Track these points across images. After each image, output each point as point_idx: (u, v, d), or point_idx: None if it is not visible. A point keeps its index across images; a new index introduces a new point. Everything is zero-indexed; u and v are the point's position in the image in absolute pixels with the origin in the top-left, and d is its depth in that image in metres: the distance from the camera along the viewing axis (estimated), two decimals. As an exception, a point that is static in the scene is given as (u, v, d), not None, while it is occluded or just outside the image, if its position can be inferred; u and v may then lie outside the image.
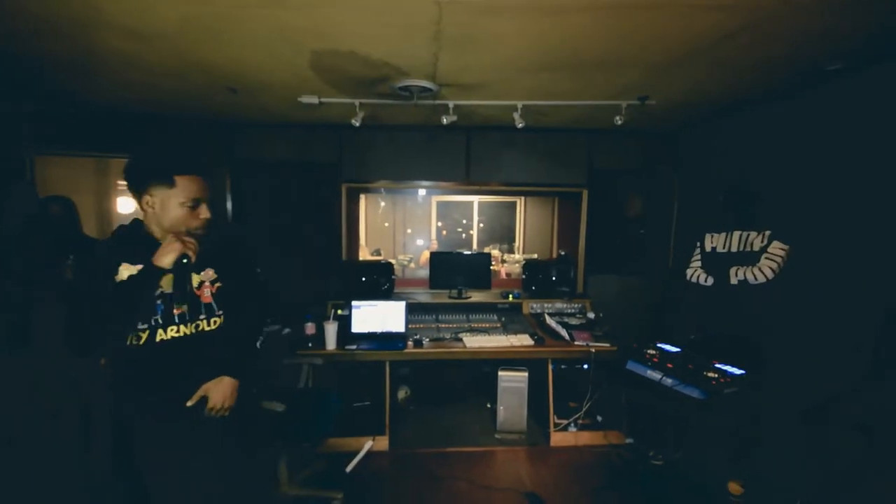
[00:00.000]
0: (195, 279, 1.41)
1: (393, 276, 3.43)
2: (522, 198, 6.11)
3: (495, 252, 5.71)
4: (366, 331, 2.95)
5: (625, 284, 3.67)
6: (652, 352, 2.41)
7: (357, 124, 2.61)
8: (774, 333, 2.37)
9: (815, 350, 2.15)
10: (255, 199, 3.45)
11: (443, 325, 3.17)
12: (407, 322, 2.98)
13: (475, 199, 6.37)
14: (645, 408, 2.80)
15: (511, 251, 6.16)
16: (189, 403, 1.36)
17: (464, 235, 6.54)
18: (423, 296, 3.52)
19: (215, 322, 1.43)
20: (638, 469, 2.63)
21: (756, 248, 2.43)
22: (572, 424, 2.92)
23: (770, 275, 2.33)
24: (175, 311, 1.35)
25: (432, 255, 3.60)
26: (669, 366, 2.23)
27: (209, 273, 1.45)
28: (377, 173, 3.43)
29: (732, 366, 2.15)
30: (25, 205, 2.53)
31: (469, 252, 4.02)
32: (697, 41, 1.75)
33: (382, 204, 6.71)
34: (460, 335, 2.96)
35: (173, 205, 1.30)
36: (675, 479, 2.47)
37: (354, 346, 2.76)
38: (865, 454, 1.58)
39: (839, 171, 2.21)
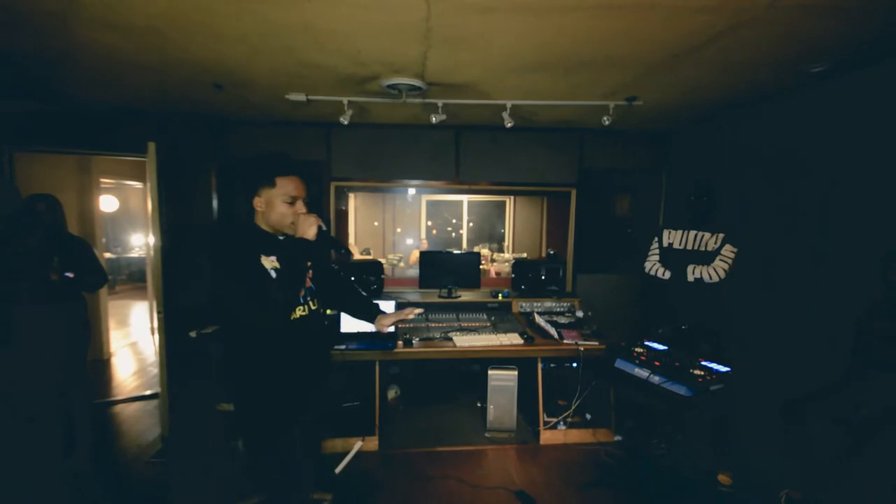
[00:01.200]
0: (269, 265, 1.54)
1: (382, 276, 3.42)
2: (512, 197, 6.13)
3: (485, 251, 5.72)
4: (355, 330, 2.93)
5: (613, 283, 3.71)
6: (639, 350, 2.44)
7: (346, 122, 2.59)
8: (745, 328, 2.46)
9: (787, 346, 2.19)
10: (242, 197, 3.40)
11: (433, 325, 3.17)
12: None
13: (465, 199, 6.38)
14: (633, 405, 2.83)
15: (500, 250, 6.18)
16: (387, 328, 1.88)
17: (454, 235, 6.55)
18: (413, 295, 3.51)
19: (314, 303, 1.68)
20: (627, 466, 2.65)
21: (710, 248, 2.55)
22: (561, 422, 2.94)
23: (723, 275, 2.48)
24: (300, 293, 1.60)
25: (422, 254, 3.59)
26: (657, 364, 2.25)
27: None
28: (366, 172, 3.41)
29: (717, 363, 2.19)
30: (7, 203, 2.46)
31: (459, 251, 4.02)
32: (683, 43, 1.77)
33: (373, 204, 6.68)
34: (450, 334, 2.96)
35: (276, 202, 1.52)
36: (664, 474, 2.50)
37: (343, 346, 2.74)
38: (845, 447, 1.61)
39: (797, 176, 2.28)
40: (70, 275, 2.46)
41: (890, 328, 1.89)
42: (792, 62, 1.96)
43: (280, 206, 1.53)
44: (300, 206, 1.55)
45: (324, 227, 1.54)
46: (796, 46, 1.79)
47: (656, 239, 2.81)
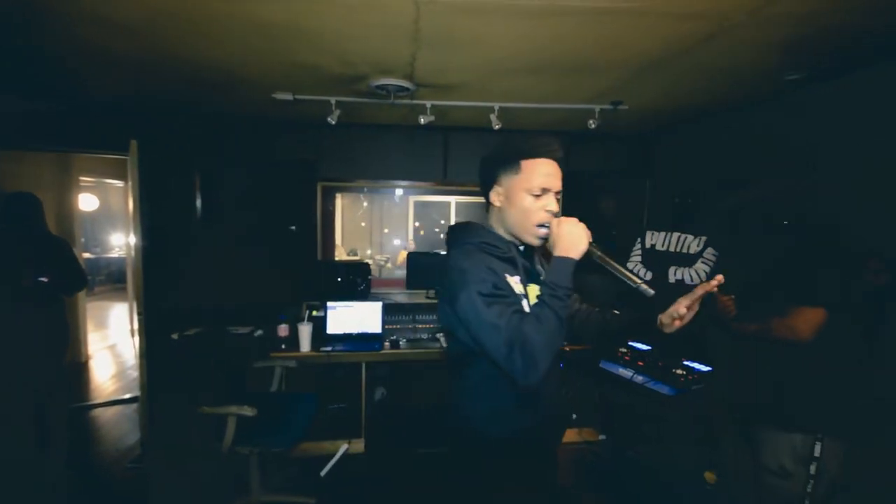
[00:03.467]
0: (532, 291, 1.17)
1: (369, 277, 3.40)
2: (500, 199, 6.15)
3: (472, 252, 5.72)
4: (341, 332, 2.91)
5: (598, 284, 3.74)
6: (623, 350, 2.48)
7: (333, 122, 2.57)
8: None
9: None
10: (227, 197, 3.35)
11: (420, 326, 3.16)
12: (384, 323, 2.96)
13: (453, 200, 6.38)
14: (618, 405, 2.86)
15: (488, 252, 6.19)
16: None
17: (441, 236, 6.55)
18: (400, 296, 3.51)
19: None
20: (612, 465, 2.68)
21: (692, 250, 2.59)
22: (547, 423, 2.96)
23: (704, 277, 2.53)
24: None
25: (409, 255, 3.59)
26: (640, 364, 2.29)
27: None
28: (354, 172, 3.39)
29: (699, 363, 2.23)
30: None
31: (446, 252, 4.02)
32: (667, 49, 1.81)
33: (365, 204, 6.64)
34: (437, 335, 2.96)
35: (519, 194, 1.13)
36: (649, 472, 2.54)
37: (330, 348, 2.72)
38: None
39: (778, 177, 2.34)
40: (44, 279, 2.36)
41: (865, 329, 1.95)
42: (771, 69, 2.01)
43: (524, 200, 1.13)
44: (550, 203, 1.14)
45: (592, 242, 1.09)
46: (778, 54, 1.84)
47: (639, 240, 2.85)
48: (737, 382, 1.83)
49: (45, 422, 2.49)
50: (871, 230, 1.94)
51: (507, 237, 1.20)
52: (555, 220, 1.10)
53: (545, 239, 1.13)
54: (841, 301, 1.55)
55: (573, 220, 1.09)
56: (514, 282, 1.14)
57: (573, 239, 1.07)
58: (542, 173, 1.13)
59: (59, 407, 2.59)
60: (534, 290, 1.17)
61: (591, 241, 1.09)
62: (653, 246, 2.77)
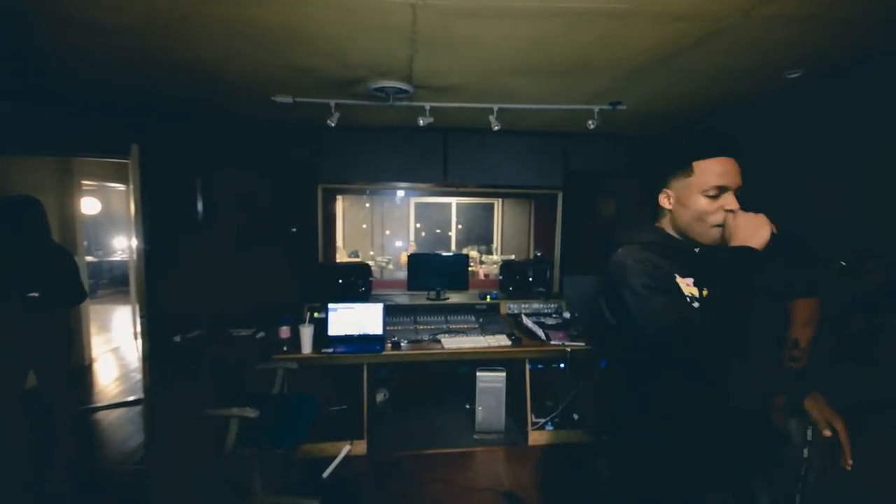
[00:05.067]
0: (686, 290, 1.11)
1: (370, 278, 3.41)
2: (500, 199, 6.17)
3: (473, 253, 5.75)
4: (343, 333, 2.92)
5: (599, 285, 3.75)
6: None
7: (333, 125, 2.59)
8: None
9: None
10: (228, 199, 3.37)
11: (421, 327, 3.17)
12: (385, 324, 2.97)
13: (453, 201, 6.40)
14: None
15: (489, 252, 6.21)
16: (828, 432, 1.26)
17: (442, 237, 6.56)
18: (401, 297, 3.52)
19: None
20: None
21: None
22: (549, 423, 2.97)
23: None
24: None
25: (410, 256, 3.60)
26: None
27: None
28: (354, 174, 3.41)
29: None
30: None
31: (447, 253, 4.03)
32: (663, 49, 1.81)
33: (368, 205, 6.66)
34: (438, 336, 2.96)
35: (692, 196, 1.09)
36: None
37: (331, 349, 2.73)
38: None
39: (775, 177, 2.34)
40: (35, 294, 2.26)
41: (865, 324, 1.95)
42: (768, 68, 2.02)
43: (698, 202, 1.08)
44: (729, 201, 1.07)
45: (776, 232, 1.02)
46: (772, 53, 1.84)
47: None
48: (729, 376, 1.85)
49: (50, 429, 2.49)
50: (869, 229, 1.95)
51: (679, 238, 1.16)
52: (729, 215, 1.05)
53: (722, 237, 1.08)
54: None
55: (758, 215, 1.03)
56: (686, 283, 1.10)
57: (751, 228, 1.01)
58: (717, 172, 1.07)
59: (64, 414, 2.59)
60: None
61: (775, 230, 1.02)
62: None
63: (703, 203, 1.08)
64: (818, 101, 2.22)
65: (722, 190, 1.07)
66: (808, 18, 1.54)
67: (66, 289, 2.47)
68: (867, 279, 1.92)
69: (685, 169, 1.10)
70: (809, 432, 1.61)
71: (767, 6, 1.45)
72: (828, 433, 1.17)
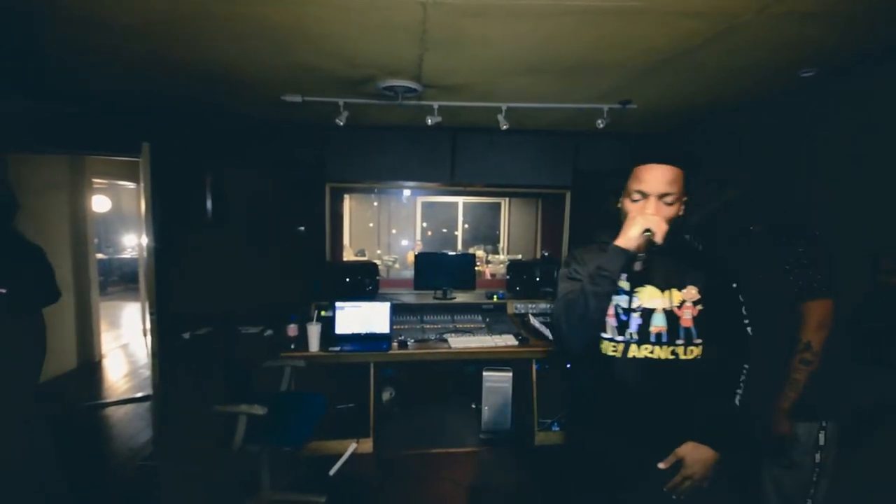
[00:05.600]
0: (676, 296, 1.22)
1: (377, 277, 3.42)
2: (507, 199, 6.16)
3: (480, 253, 5.74)
4: (350, 332, 2.93)
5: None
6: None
7: (342, 124, 2.59)
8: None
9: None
10: (237, 198, 3.39)
11: (427, 326, 3.17)
12: (392, 323, 2.97)
13: (460, 200, 6.40)
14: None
15: (495, 252, 6.20)
16: (662, 466, 1.20)
17: (449, 236, 6.56)
18: (408, 296, 3.52)
19: (692, 352, 1.23)
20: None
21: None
22: (556, 424, 2.95)
23: None
24: (651, 328, 1.22)
25: (417, 255, 3.60)
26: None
27: (692, 292, 1.23)
28: (362, 173, 3.41)
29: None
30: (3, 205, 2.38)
31: (454, 253, 4.03)
32: (675, 47, 1.79)
33: (375, 204, 6.68)
34: (445, 336, 2.96)
35: (626, 199, 1.23)
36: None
37: (338, 348, 2.74)
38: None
39: (786, 176, 2.31)
40: (2, 290, 1.99)
41: (878, 328, 1.92)
42: (782, 67, 1.99)
43: (627, 204, 1.23)
44: (648, 206, 1.18)
45: (651, 233, 1.13)
46: (786, 52, 1.82)
47: None
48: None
49: (21, 441, 2.10)
50: (882, 229, 1.91)
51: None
52: (634, 211, 1.19)
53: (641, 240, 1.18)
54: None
55: (647, 216, 1.14)
56: (620, 278, 1.22)
57: (626, 226, 1.15)
58: (640, 178, 1.20)
59: (35, 424, 2.17)
60: (648, 291, 1.24)
61: (649, 230, 1.12)
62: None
63: (628, 205, 1.23)
64: (830, 100, 2.18)
65: (643, 195, 1.19)
66: (822, 16, 1.51)
67: (40, 287, 2.20)
68: (882, 280, 1.89)
69: (629, 175, 1.25)
70: (822, 436, 1.59)
71: (782, 3, 1.42)
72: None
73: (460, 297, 3.53)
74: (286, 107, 2.67)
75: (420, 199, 6.40)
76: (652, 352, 1.21)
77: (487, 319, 3.30)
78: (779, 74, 2.08)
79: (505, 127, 2.66)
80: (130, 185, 5.74)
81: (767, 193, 1.87)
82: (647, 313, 1.23)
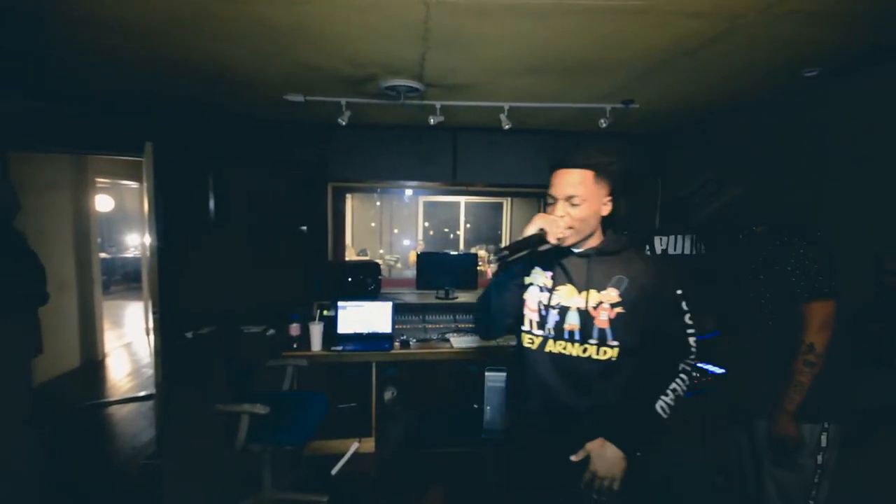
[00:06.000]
0: (594, 297, 1.23)
1: (379, 277, 3.42)
2: (509, 199, 6.15)
3: (482, 252, 5.74)
4: (352, 331, 2.93)
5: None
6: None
7: (344, 123, 2.59)
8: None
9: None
10: (239, 198, 3.39)
11: (430, 326, 3.17)
12: (393, 322, 2.97)
13: (462, 200, 6.40)
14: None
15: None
16: (573, 458, 1.22)
17: (451, 236, 6.56)
18: (410, 296, 3.52)
19: (605, 353, 1.23)
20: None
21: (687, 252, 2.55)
22: (557, 423, 2.95)
23: None
24: (566, 325, 1.25)
25: (419, 255, 3.60)
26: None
27: (611, 294, 1.23)
28: (364, 173, 3.41)
29: (713, 364, 2.20)
30: (5, 204, 2.39)
31: (456, 253, 4.03)
32: (678, 47, 1.79)
33: (378, 203, 6.68)
34: (447, 335, 2.96)
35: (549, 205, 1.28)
36: (661, 473, 2.51)
37: (340, 347, 2.74)
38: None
39: (789, 177, 2.30)
40: None
41: (881, 329, 1.92)
42: (785, 67, 1.98)
43: (549, 209, 1.28)
44: (557, 209, 1.24)
45: (545, 236, 1.18)
46: (788, 51, 1.81)
47: (647, 248, 2.80)
48: (742, 381, 1.81)
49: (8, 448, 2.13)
50: (885, 230, 1.91)
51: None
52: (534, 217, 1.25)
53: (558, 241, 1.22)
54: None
55: (541, 216, 1.22)
56: (545, 276, 1.30)
57: (525, 228, 1.21)
58: (552, 184, 1.28)
59: (25, 431, 2.21)
60: (566, 290, 1.27)
61: (542, 230, 1.19)
62: (664, 251, 2.73)
63: (549, 209, 1.28)
64: (833, 100, 2.17)
65: (553, 199, 1.26)
66: (825, 15, 1.50)
67: (26, 289, 2.16)
68: (887, 281, 1.89)
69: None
70: (824, 438, 1.58)
71: (786, 3, 1.42)
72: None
73: (462, 297, 3.52)
74: (288, 106, 2.67)
75: (422, 199, 6.40)
76: (565, 348, 1.25)
77: (483, 323, 3.29)
78: (781, 74, 2.07)
79: (507, 126, 2.65)
80: (133, 184, 5.76)
81: (769, 194, 1.86)
82: (563, 311, 1.27)
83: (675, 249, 2.69)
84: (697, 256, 2.64)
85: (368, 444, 2.81)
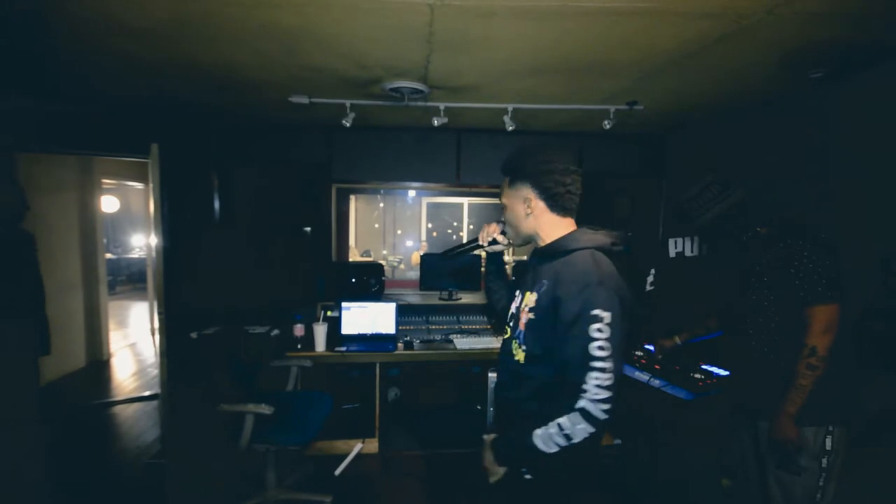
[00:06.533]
0: (528, 299, 1.22)
1: (383, 278, 3.43)
2: (512, 200, 6.13)
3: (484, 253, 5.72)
4: (356, 332, 2.94)
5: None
6: (639, 353, 2.45)
7: (348, 125, 2.60)
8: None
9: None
10: (244, 199, 3.41)
11: (433, 327, 3.17)
12: (397, 323, 2.98)
13: (465, 201, 6.39)
14: (633, 409, 2.83)
15: (501, 253, 6.18)
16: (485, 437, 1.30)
17: (454, 237, 6.56)
18: (414, 297, 3.52)
19: (518, 355, 1.23)
20: (626, 469, 2.65)
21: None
22: (561, 425, 2.94)
23: None
24: (509, 323, 1.35)
25: (422, 256, 3.60)
26: (657, 367, 2.26)
27: (530, 298, 1.21)
28: (368, 174, 3.42)
29: (717, 367, 2.20)
30: (10, 205, 2.42)
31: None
32: (684, 48, 1.78)
33: (382, 205, 6.70)
34: (451, 336, 2.96)
35: None
36: (663, 477, 2.50)
37: (344, 348, 2.75)
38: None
39: (794, 178, 2.29)
40: None
41: (887, 331, 1.90)
42: (790, 68, 1.97)
43: None
44: (507, 213, 1.35)
45: (496, 239, 1.45)
46: (794, 52, 1.80)
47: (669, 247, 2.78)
48: (745, 382, 1.81)
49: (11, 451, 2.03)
50: (892, 232, 1.89)
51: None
52: None
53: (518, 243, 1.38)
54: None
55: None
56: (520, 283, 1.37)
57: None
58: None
59: (29, 432, 2.10)
60: (529, 297, 1.23)
61: (491, 234, 1.44)
62: (679, 253, 2.71)
63: None
64: (839, 101, 2.16)
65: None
66: (831, 16, 1.50)
67: (24, 292, 2.11)
68: (890, 284, 1.87)
69: None
70: (828, 441, 1.57)
71: (792, 4, 1.41)
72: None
73: (466, 298, 3.53)
74: (293, 108, 2.68)
75: (425, 200, 6.41)
76: (510, 342, 1.29)
77: (493, 321, 3.30)
78: (786, 75, 2.06)
79: (511, 128, 2.65)
80: (139, 185, 5.79)
81: (773, 195, 1.86)
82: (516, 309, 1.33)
83: (691, 251, 2.67)
84: (702, 258, 2.63)
85: (372, 445, 2.82)
